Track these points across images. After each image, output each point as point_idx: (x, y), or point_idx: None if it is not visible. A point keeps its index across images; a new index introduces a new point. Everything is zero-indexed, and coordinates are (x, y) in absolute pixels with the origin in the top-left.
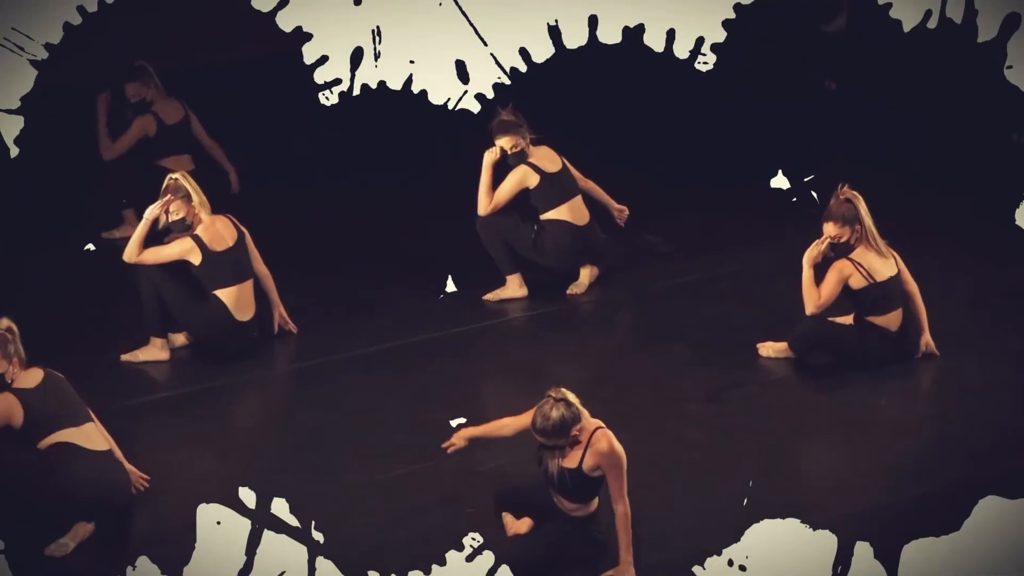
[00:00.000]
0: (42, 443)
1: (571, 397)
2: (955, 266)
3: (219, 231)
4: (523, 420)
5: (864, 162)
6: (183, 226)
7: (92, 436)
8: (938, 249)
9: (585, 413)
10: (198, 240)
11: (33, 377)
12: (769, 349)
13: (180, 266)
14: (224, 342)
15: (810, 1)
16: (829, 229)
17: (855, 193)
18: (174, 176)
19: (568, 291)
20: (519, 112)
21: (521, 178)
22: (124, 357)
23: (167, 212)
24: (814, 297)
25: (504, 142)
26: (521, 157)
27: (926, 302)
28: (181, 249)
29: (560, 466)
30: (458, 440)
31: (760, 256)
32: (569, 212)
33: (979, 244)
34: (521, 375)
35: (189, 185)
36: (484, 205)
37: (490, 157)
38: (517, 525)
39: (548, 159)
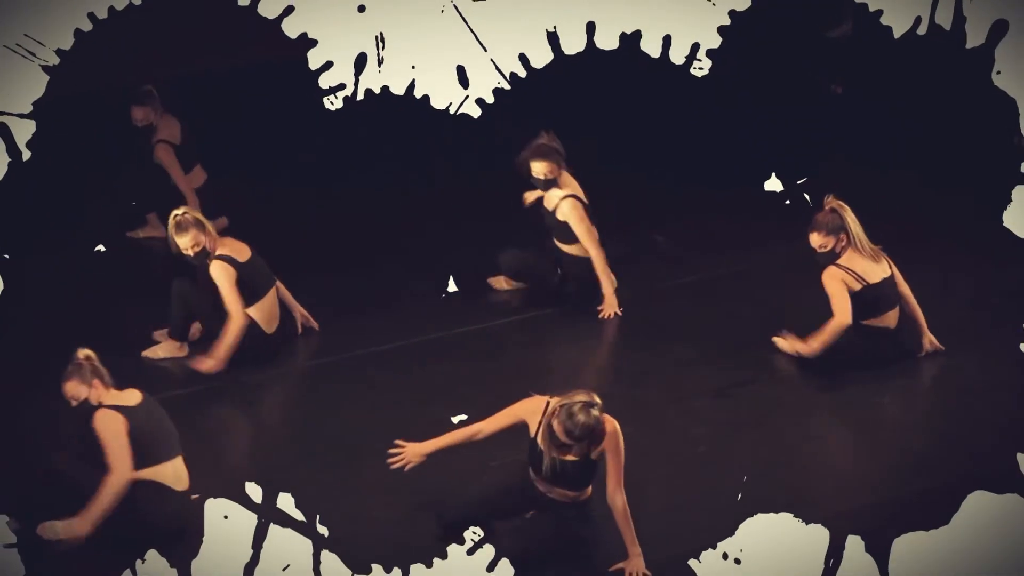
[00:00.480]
0: (139, 474)
1: (598, 400)
2: (955, 266)
3: (235, 245)
4: (499, 421)
5: (863, 163)
6: (206, 254)
7: (180, 474)
8: (938, 249)
9: None
10: (226, 259)
11: (132, 396)
12: (784, 344)
13: (215, 290)
14: (253, 354)
15: (806, 5)
16: (814, 239)
17: (841, 203)
18: (177, 213)
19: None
20: (557, 138)
21: (583, 210)
22: (145, 353)
23: (189, 248)
24: (837, 322)
25: (540, 167)
26: (551, 184)
27: (926, 302)
28: (223, 276)
29: (564, 459)
30: (412, 457)
31: (763, 257)
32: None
33: (979, 244)
34: (530, 373)
35: (196, 215)
36: (598, 255)
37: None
38: None
39: (579, 189)
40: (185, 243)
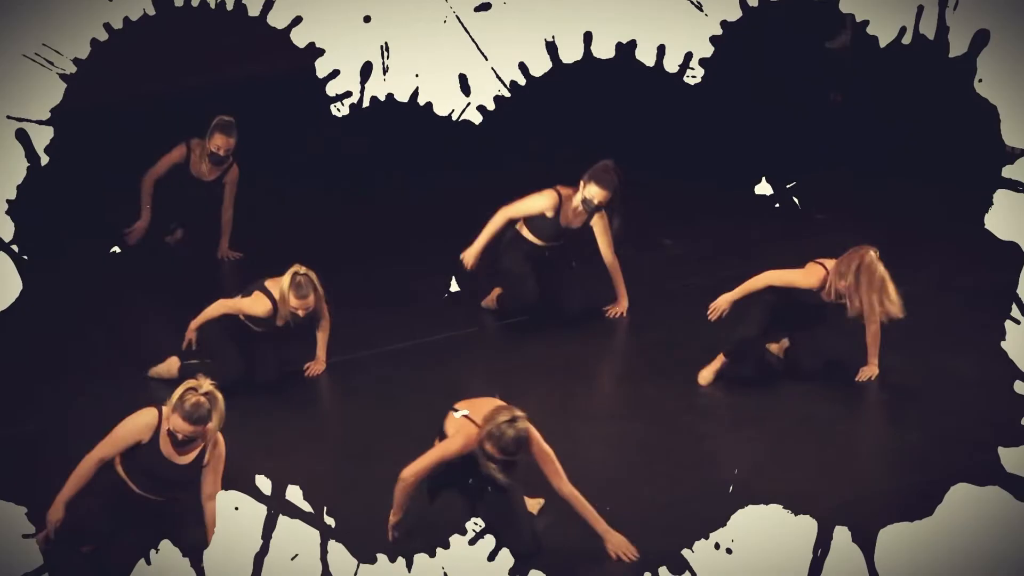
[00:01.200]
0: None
1: (519, 412)
2: (953, 266)
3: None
4: (458, 443)
5: (853, 167)
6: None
7: None
8: (925, 251)
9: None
10: None
11: None
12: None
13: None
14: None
15: (797, 14)
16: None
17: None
18: (298, 272)
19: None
20: (619, 171)
21: None
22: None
23: (301, 309)
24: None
25: (600, 194)
26: (598, 210)
27: (923, 302)
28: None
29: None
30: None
31: (768, 258)
32: None
33: (964, 246)
34: (535, 372)
35: (312, 275)
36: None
37: None
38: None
39: None
40: (300, 304)
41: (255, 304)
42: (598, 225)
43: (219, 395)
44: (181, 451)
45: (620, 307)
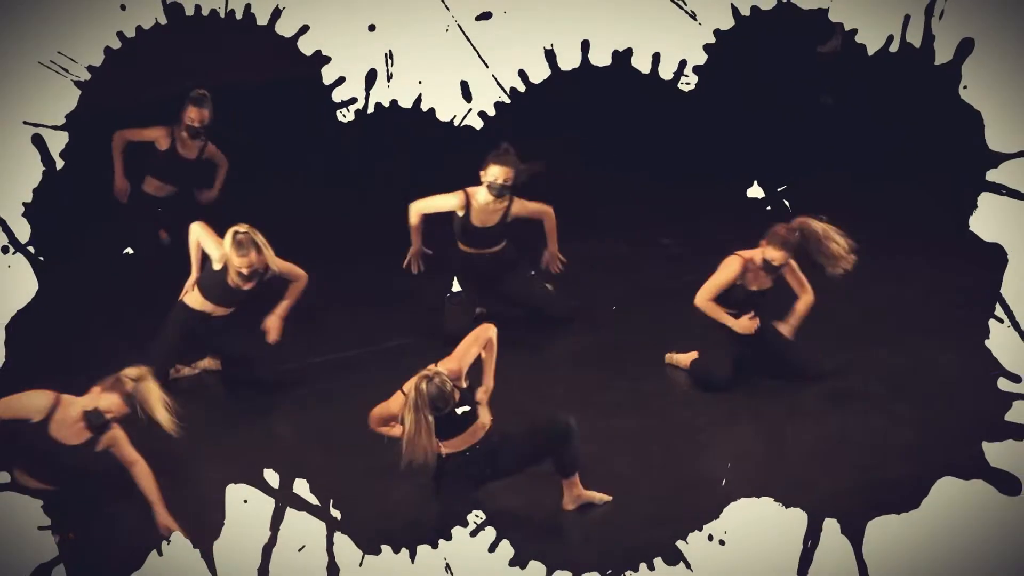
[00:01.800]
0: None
1: (437, 369)
2: (942, 266)
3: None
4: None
5: (843, 170)
6: (257, 276)
7: None
8: (927, 251)
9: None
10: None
11: None
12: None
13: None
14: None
15: (790, 21)
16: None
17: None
18: (239, 231)
19: None
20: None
21: None
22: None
23: (245, 268)
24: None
25: (504, 173)
26: (505, 192)
27: (917, 303)
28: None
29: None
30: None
31: None
32: None
33: (952, 247)
34: (538, 367)
35: (255, 235)
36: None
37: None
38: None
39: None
40: (242, 263)
41: (220, 243)
42: (517, 205)
43: (150, 384)
44: (73, 432)
45: (549, 251)
